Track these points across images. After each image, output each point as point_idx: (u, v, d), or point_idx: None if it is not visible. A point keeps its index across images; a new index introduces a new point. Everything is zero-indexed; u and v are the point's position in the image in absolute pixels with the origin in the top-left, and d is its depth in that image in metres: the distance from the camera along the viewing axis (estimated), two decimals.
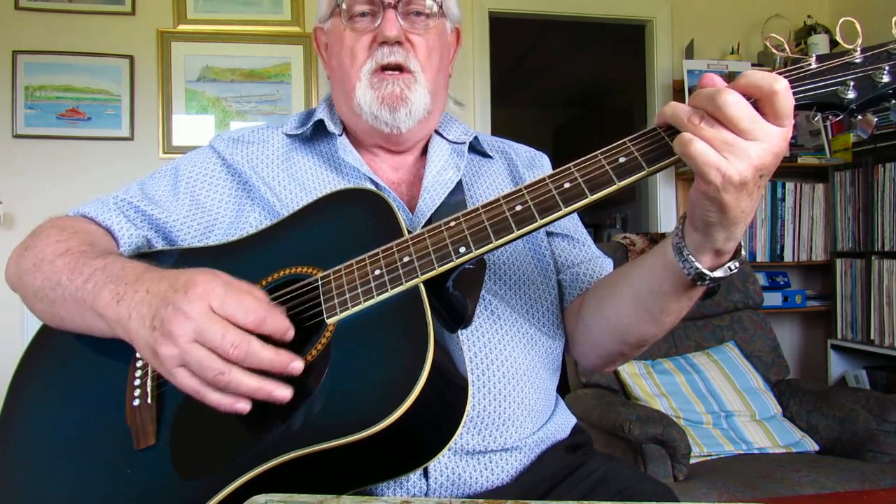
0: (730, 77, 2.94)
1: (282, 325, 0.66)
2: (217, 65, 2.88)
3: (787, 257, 3.12)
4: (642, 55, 3.39)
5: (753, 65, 3.12)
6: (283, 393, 0.64)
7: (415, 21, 0.93)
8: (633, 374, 2.31)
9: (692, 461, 1.94)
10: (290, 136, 0.99)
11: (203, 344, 0.63)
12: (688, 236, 0.71)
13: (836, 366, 3.01)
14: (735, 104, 0.60)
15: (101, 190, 0.97)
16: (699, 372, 2.34)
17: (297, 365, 0.65)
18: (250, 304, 0.65)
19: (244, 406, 0.64)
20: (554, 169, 1.05)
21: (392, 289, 0.69)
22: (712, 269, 0.71)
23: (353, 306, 0.70)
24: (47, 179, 2.73)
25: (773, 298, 3.05)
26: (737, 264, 0.71)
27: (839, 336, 3.00)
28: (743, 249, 0.72)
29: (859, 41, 0.65)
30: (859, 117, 0.66)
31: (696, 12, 3.29)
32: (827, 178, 3.10)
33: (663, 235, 2.73)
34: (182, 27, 2.84)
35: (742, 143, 0.61)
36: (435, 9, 0.94)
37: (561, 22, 3.41)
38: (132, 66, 2.80)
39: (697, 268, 0.70)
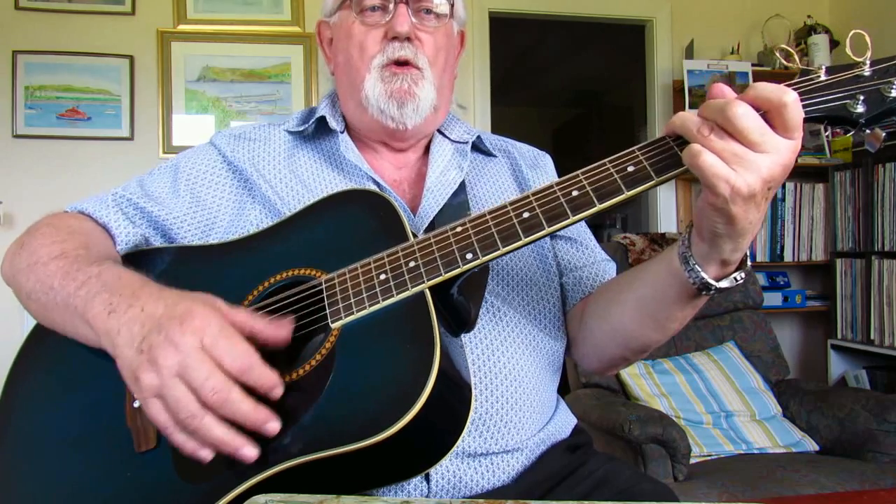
0: (730, 78, 2.92)
1: (267, 380, 0.63)
2: (217, 65, 2.88)
3: (787, 257, 3.12)
4: (642, 55, 3.39)
5: (753, 65, 3.12)
6: (249, 453, 0.61)
7: (425, 18, 0.93)
8: (633, 374, 2.31)
9: (692, 461, 1.94)
10: (291, 133, 0.99)
11: (185, 381, 0.61)
12: (694, 246, 0.70)
13: (836, 366, 3.01)
14: (745, 116, 0.60)
15: (101, 190, 0.96)
16: (699, 372, 2.34)
17: (272, 426, 0.62)
18: (240, 349, 0.63)
19: (206, 454, 0.62)
20: (556, 169, 1.05)
21: (398, 294, 0.68)
22: (718, 279, 0.70)
23: (358, 311, 0.69)
24: (47, 179, 2.73)
25: (773, 298, 3.05)
26: (743, 275, 0.71)
27: (839, 336, 3.00)
28: (748, 260, 0.72)
29: (868, 54, 0.65)
30: (868, 131, 0.66)
31: (696, 12, 3.28)
32: (827, 178, 3.10)
33: (663, 236, 2.73)
34: (182, 27, 2.84)
35: (751, 155, 0.61)
36: (446, 9, 0.95)
37: (561, 22, 3.41)
38: (132, 66, 2.80)
39: (703, 277, 0.70)
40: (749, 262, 0.72)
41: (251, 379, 0.62)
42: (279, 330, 0.67)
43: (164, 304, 0.66)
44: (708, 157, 0.61)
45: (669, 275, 0.75)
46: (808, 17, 3.17)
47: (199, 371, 0.60)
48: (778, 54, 0.69)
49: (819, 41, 3.05)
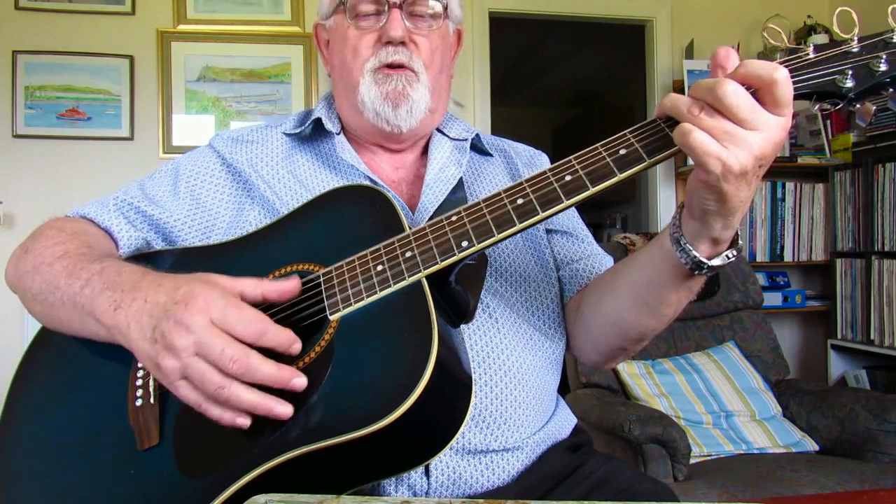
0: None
1: (283, 338, 0.65)
2: (217, 65, 2.88)
3: (787, 257, 3.12)
4: (642, 55, 3.40)
5: None
6: (283, 410, 0.63)
7: (419, 21, 0.93)
8: (633, 374, 2.31)
9: (692, 461, 1.94)
10: (288, 135, 0.99)
11: (204, 358, 0.63)
12: (685, 225, 0.71)
13: (836, 366, 3.01)
14: (734, 94, 0.60)
15: (101, 190, 0.97)
16: (699, 372, 2.34)
17: (298, 381, 0.64)
18: (250, 316, 0.65)
19: (244, 421, 0.63)
20: None
21: (395, 284, 0.69)
22: (710, 258, 0.70)
23: (355, 302, 0.70)
24: (47, 179, 2.73)
25: (773, 298, 3.04)
26: (735, 252, 0.71)
27: (839, 336, 3.00)
28: (741, 239, 0.72)
29: (856, 31, 0.65)
30: (857, 106, 0.66)
31: (696, 12, 3.29)
32: (827, 178, 3.10)
33: None
34: (182, 27, 2.84)
35: (742, 132, 0.61)
36: (440, 9, 0.94)
37: (561, 22, 3.41)
38: (132, 66, 2.80)
39: (695, 256, 0.70)
40: (740, 241, 0.72)
41: (268, 341, 0.64)
42: (287, 283, 0.70)
43: (164, 290, 0.68)
44: (698, 135, 0.61)
45: (662, 258, 0.75)
46: (808, 17, 3.18)
47: (214, 345, 0.62)
48: (766, 35, 0.69)
49: (819, 41, 3.05)
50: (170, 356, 0.64)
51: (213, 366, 0.62)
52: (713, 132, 0.61)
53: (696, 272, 0.72)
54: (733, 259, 0.71)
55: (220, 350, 0.62)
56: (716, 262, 0.70)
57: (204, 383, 0.63)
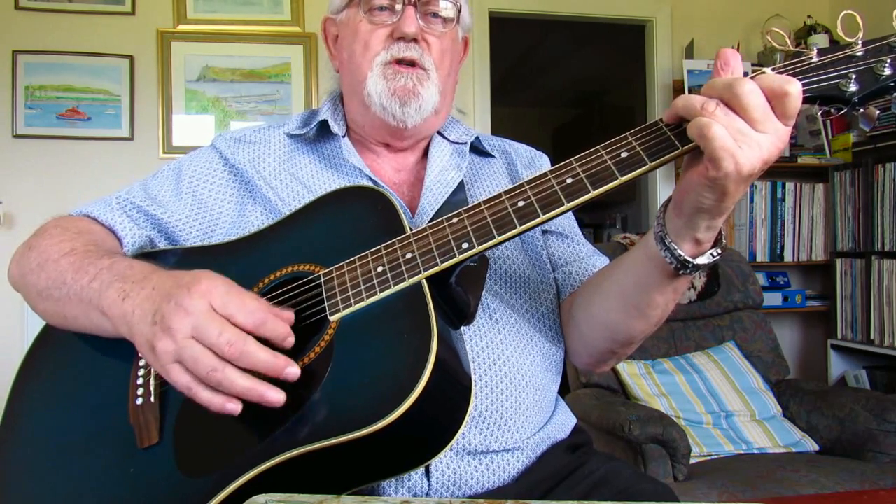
0: None
1: (281, 330, 0.65)
2: (217, 65, 2.88)
3: (787, 257, 3.12)
4: (642, 55, 3.40)
5: (753, 65, 3.12)
6: (275, 396, 0.63)
7: (432, 22, 0.94)
8: (633, 374, 2.31)
9: (692, 461, 1.94)
10: (291, 135, 0.99)
11: (200, 340, 0.63)
12: (669, 223, 0.71)
13: (836, 366, 3.01)
14: (752, 92, 0.60)
15: (102, 190, 0.97)
16: (699, 372, 2.34)
17: (292, 371, 0.64)
18: (252, 305, 0.65)
19: (234, 407, 0.63)
20: None
21: (395, 285, 0.69)
22: (694, 257, 0.71)
23: (355, 303, 0.70)
24: (47, 179, 2.73)
25: (773, 298, 3.05)
26: (719, 251, 0.71)
27: (839, 336, 3.00)
28: (724, 238, 0.72)
29: (860, 34, 0.65)
30: (861, 110, 0.66)
31: (696, 12, 3.29)
32: (827, 178, 3.10)
33: None
34: (182, 27, 2.84)
35: (753, 133, 0.61)
36: (452, 13, 0.95)
37: (561, 22, 3.41)
38: (132, 66, 2.80)
39: (680, 255, 0.70)
40: (724, 240, 0.72)
41: (266, 331, 0.64)
42: (283, 313, 0.68)
43: (172, 279, 0.68)
44: (718, 129, 0.61)
45: (647, 258, 0.75)
46: (808, 17, 3.18)
47: (212, 328, 0.62)
48: (769, 37, 0.69)
49: (819, 41, 3.05)
50: (166, 337, 0.64)
51: (209, 349, 0.62)
52: (728, 129, 0.61)
53: (682, 271, 0.72)
54: (717, 258, 0.72)
55: (216, 333, 0.62)
56: (701, 260, 0.71)
57: (197, 365, 0.62)
